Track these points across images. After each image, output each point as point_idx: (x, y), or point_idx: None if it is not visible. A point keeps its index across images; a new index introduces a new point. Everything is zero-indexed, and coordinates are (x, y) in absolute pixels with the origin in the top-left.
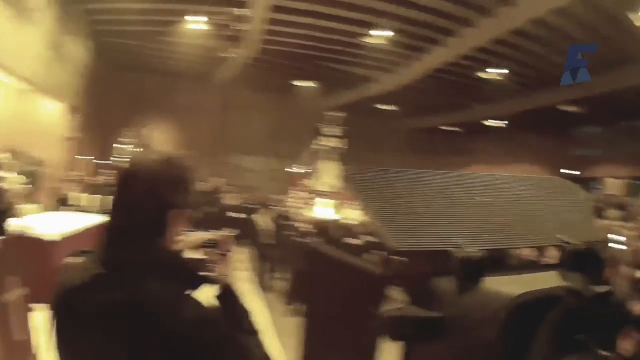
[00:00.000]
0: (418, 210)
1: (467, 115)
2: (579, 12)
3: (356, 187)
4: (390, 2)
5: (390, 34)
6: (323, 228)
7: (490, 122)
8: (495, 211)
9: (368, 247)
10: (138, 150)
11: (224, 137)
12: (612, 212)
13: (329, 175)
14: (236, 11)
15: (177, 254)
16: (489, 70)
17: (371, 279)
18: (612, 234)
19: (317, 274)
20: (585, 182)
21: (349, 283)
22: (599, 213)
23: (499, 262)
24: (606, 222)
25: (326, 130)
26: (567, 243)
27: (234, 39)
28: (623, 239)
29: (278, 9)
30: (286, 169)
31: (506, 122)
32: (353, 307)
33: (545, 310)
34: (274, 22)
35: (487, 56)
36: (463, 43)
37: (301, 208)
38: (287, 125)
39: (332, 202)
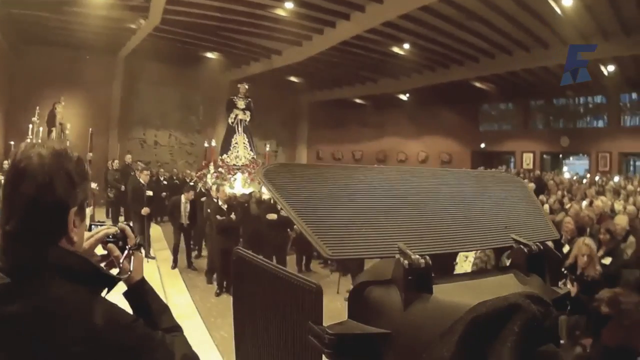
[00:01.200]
0: (351, 211)
1: (375, 88)
2: None
3: (275, 187)
4: None
5: (294, 5)
6: (242, 204)
7: (400, 96)
8: (440, 210)
9: (290, 222)
10: (24, 144)
11: (132, 111)
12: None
13: (242, 148)
14: None
15: (81, 255)
16: (395, 44)
17: (309, 292)
18: None
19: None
20: (500, 156)
21: (284, 295)
22: None
23: (447, 267)
24: None
25: (238, 102)
26: (522, 244)
27: (139, 9)
28: None
29: None
30: (205, 144)
31: (407, 95)
32: (289, 321)
33: (505, 320)
34: None
35: (393, 31)
36: (369, 17)
37: (219, 184)
38: (194, 98)
39: (248, 176)
